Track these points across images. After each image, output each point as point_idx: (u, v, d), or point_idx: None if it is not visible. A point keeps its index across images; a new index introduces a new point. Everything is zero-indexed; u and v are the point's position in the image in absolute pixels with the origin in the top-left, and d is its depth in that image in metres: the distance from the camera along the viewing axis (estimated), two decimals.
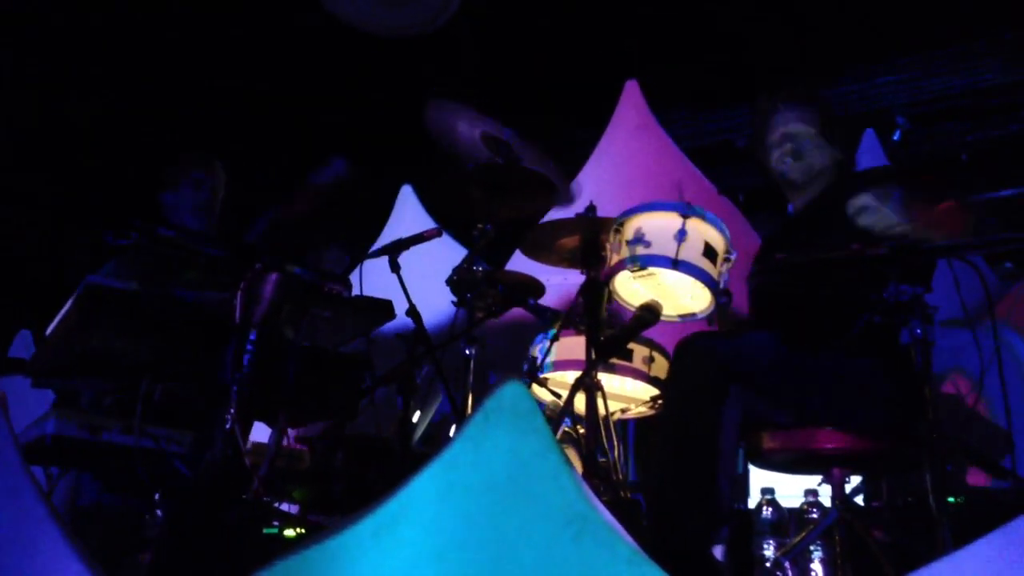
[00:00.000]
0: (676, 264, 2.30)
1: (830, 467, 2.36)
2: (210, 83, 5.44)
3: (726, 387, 2.20)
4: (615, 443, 2.73)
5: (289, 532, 2.71)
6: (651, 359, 2.88)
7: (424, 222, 4.86)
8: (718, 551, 2.12)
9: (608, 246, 2.48)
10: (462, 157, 2.99)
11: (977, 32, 5.41)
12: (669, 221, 2.35)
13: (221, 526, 1.98)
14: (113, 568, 2.55)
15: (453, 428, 3.73)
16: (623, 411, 3.04)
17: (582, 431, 2.78)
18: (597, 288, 2.61)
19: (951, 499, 2.52)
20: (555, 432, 2.73)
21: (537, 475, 1.27)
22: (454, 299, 3.05)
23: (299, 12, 5.06)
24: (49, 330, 2.21)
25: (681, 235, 2.32)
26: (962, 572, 1.31)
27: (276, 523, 2.70)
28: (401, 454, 2.98)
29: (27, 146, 5.53)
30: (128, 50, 5.31)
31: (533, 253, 2.98)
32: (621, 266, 2.39)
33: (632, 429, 3.68)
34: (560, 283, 3.34)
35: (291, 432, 2.84)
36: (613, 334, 2.46)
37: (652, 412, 3.00)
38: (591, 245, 2.76)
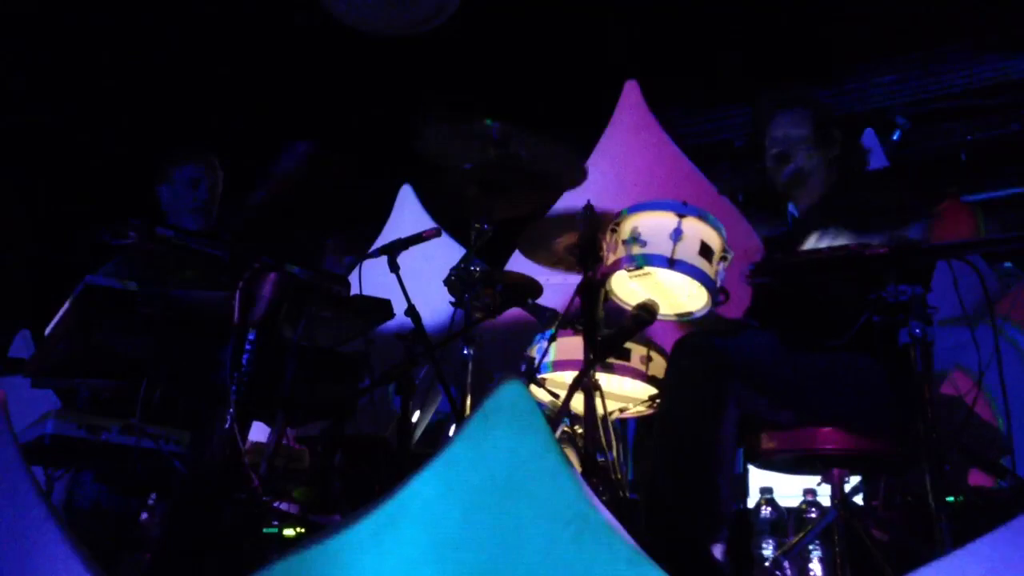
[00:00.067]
0: (672, 263, 2.30)
1: (829, 467, 2.36)
2: (209, 82, 5.44)
3: (725, 385, 2.21)
4: (614, 443, 2.73)
5: (289, 532, 2.71)
6: (649, 358, 2.88)
7: (423, 222, 4.85)
8: (718, 550, 2.12)
9: (604, 245, 2.48)
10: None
11: (977, 32, 5.41)
12: (665, 220, 2.35)
13: (220, 526, 1.97)
14: (112, 568, 2.55)
15: (452, 428, 3.73)
16: (622, 411, 3.04)
17: (580, 431, 2.78)
18: (594, 288, 2.60)
19: (950, 499, 2.52)
20: (554, 432, 2.73)
21: (536, 475, 1.27)
22: (452, 299, 3.05)
23: (298, 12, 5.07)
24: (48, 330, 2.21)
25: (677, 234, 2.32)
26: (961, 572, 1.31)
27: (276, 523, 2.70)
28: (400, 454, 2.98)
29: (26, 145, 5.53)
30: (128, 49, 5.30)
31: (530, 253, 2.98)
32: (617, 266, 2.39)
33: (631, 429, 3.68)
34: (559, 283, 3.33)
35: (290, 432, 2.84)
36: (610, 334, 2.46)
37: (651, 411, 3.00)
38: (588, 244, 2.76)
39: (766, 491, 3.11)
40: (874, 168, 3.53)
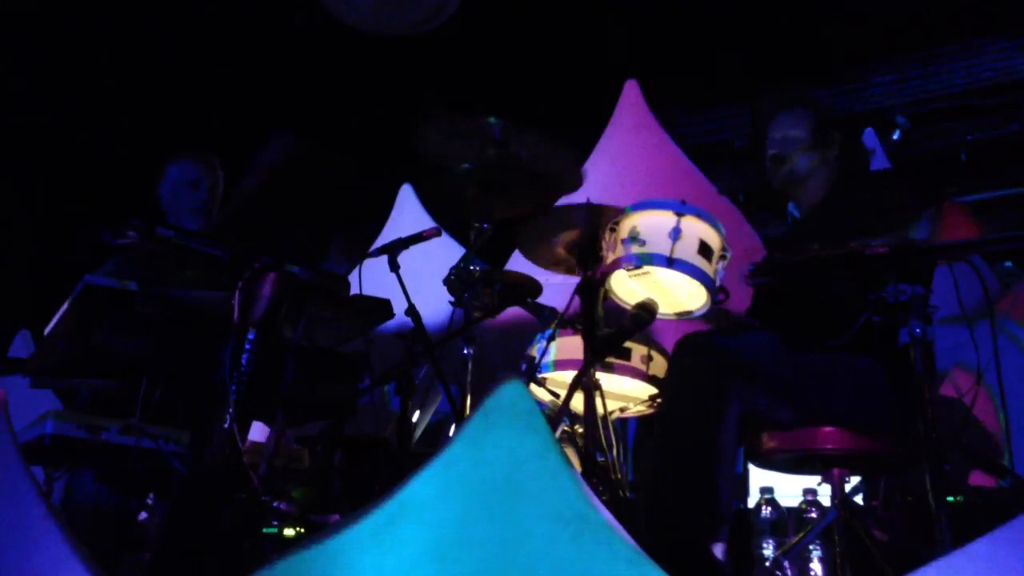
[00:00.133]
0: (671, 262, 2.30)
1: (829, 467, 2.36)
2: (209, 82, 5.44)
3: (726, 384, 2.21)
4: (614, 442, 2.73)
5: (288, 532, 2.71)
6: (649, 358, 2.88)
7: (423, 221, 4.86)
8: (718, 550, 2.12)
9: (604, 245, 2.48)
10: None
11: (977, 32, 5.41)
12: (664, 219, 2.35)
13: (220, 526, 1.97)
14: (112, 568, 2.55)
15: (452, 428, 3.73)
16: (622, 410, 3.04)
17: (581, 430, 2.78)
18: (593, 287, 2.60)
19: (950, 498, 2.52)
20: (554, 431, 2.73)
21: (536, 474, 1.27)
22: (451, 299, 3.05)
23: (298, 12, 5.07)
24: (48, 330, 2.21)
25: (676, 233, 2.32)
26: (961, 572, 1.31)
27: (275, 523, 2.70)
28: (400, 454, 2.98)
29: (26, 145, 5.53)
30: (128, 49, 5.30)
31: (529, 253, 2.98)
32: (617, 265, 2.39)
33: (631, 429, 3.68)
34: (559, 282, 3.33)
35: (289, 432, 2.84)
36: (610, 333, 2.45)
37: (651, 411, 3.00)
38: (588, 244, 2.76)
39: (766, 491, 3.11)
40: (876, 168, 3.54)
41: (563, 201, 3.01)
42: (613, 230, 2.44)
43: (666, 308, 2.43)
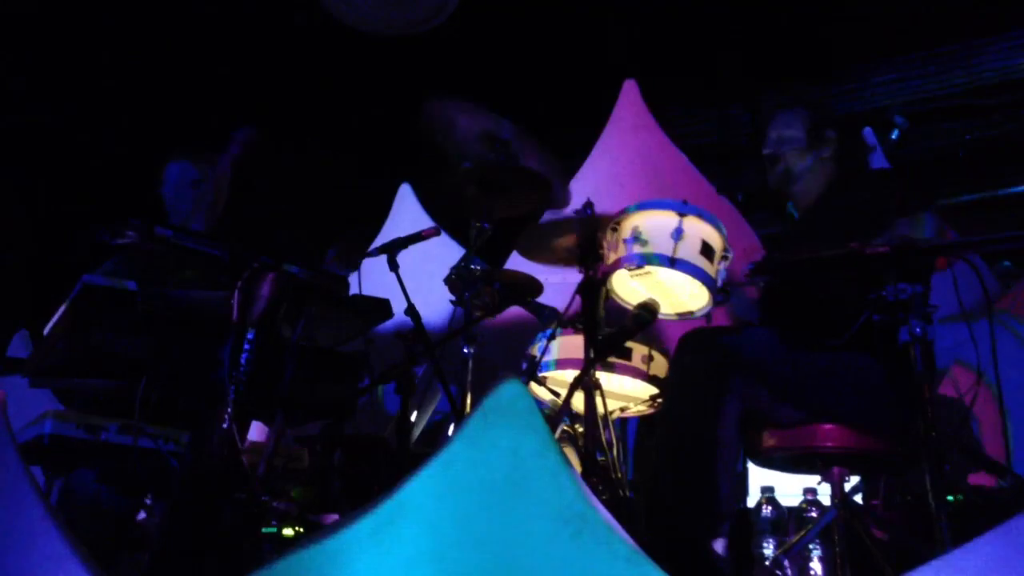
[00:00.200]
0: (673, 262, 2.30)
1: (829, 466, 2.36)
2: (208, 81, 5.44)
3: (727, 382, 2.21)
4: (614, 442, 2.73)
5: (287, 531, 2.71)
6: (650, 358, 2.88)
7: (422, 221, 4.85)
8: (719, 545, 2.12)
9: (605, 244, 2.48)
10: (459, 155, 2.98)
11: (976, 31, 5.41)
12: (666, 219, 2.35)
13: (219, 526, 1.97)
14: (111, 568, 2.55)
15: (452, 427, 3.73)
16: (622, 410, 3.04)
17: (581, 430, 2.78)
18: (595, 287, 2.60)
19: (950, 498, 2.52)
20: (554, 431, 2.73)
21: (536, 474, 1.27)
22: (452, 298, 3.04)
23: (298, 12, 5.06)
24: (47, 330, 2.21)
25: (678, 233, 2.32)
26: (961, 571, 1.31)
27: (274, 522, 2.70)
28: (399, 453, 2.97)
29: (26, 145, 5.53)
30: (128, 49, 5.30)
31: (528, 253, 2.98)
32: (618, 264, 2.39)
33: (631, 429, 3.68)
34: (559, 282, 3.33)
35: (290, 431, 2.84)
36: (611, 333, 2.45)
37: (651, 411, 3.00)
38: (588, 244, 2.76)
39: (767, 490, 3.11)
40: (876, 168, 3.54)
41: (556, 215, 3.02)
42: (615, 230, 2.44)
43: (668, 308, 2.43)
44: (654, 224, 2.36)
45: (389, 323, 2.50)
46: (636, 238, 2.35)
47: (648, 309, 2.31)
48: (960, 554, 1.31)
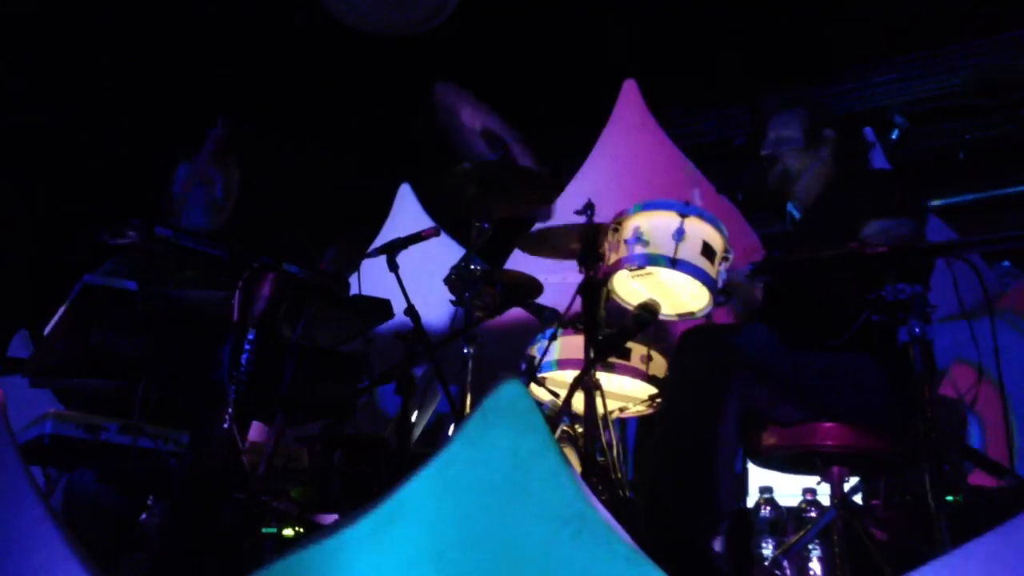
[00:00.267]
0: (674, 263, 2.30)
1: (829, 465, 2.36)
2: (208, 82, 5.44)
3: (727, 381, 2.21)
4: (613, 442, 2.73)
5: (287, 531, 2.71)
6: (649, 358, 2.88)
7: (422, 221, 4.86)
8: (717, 544, 2.12)
9: (606, 245, 2.48)
10: (460, 146, 2.99)
11: (977, 32, 5.41)
12: (667, 220, 2.35)
13: (219, 526, 1.97)
14: (112, 568, 2.55)
15: (451, 427, 3.73)
16: (621, 410, 3.04)
17: (580, 430, 2.78)
18: (595, 287, 2.60)
19: (950, 498, 2.52)
20: (554, 431, 2.73)
21: (535, 474, 1.27)
22: (452, 298, 3.04)
23: (298, 12, 5.06)
24: (47, 330, 2.21)
25: (679, 234, 2.32)
26: (960, 571, 1.31)
27: (274, 522, 2.70)
28: (399, 453, 2.97)
29: (26, 145, 5.52)
30: (128, 49, 5.30)
31: (531, 249, 2.98)
32: (619, 265, 2.39)
33: (631, 428, 3.68)
34: (559, 282, 3.33)
35: (290, 431, 2.84)
36: (612, 333, 2.46)
37: (650, 411, 3.00)
38: (590, 244, 2.76)
39: (766, 490, 3.11)
40: (877, 168, 3.54)
41: (564, 198, 3.02)
42: (616, 230, 2.44)
43: (668, 309, 2.43)
44: (655, 224, 2.36)
45: (389, 323, 2.50)
46: (637, 238, 2.35)
47: (648, 309, 2.31)
48: (960, 554, 1.31)
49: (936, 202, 5.48)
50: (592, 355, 2.60)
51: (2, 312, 5.04)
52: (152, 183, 3.34)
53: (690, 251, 2.32)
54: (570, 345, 2.92)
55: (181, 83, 5.45)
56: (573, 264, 2.84)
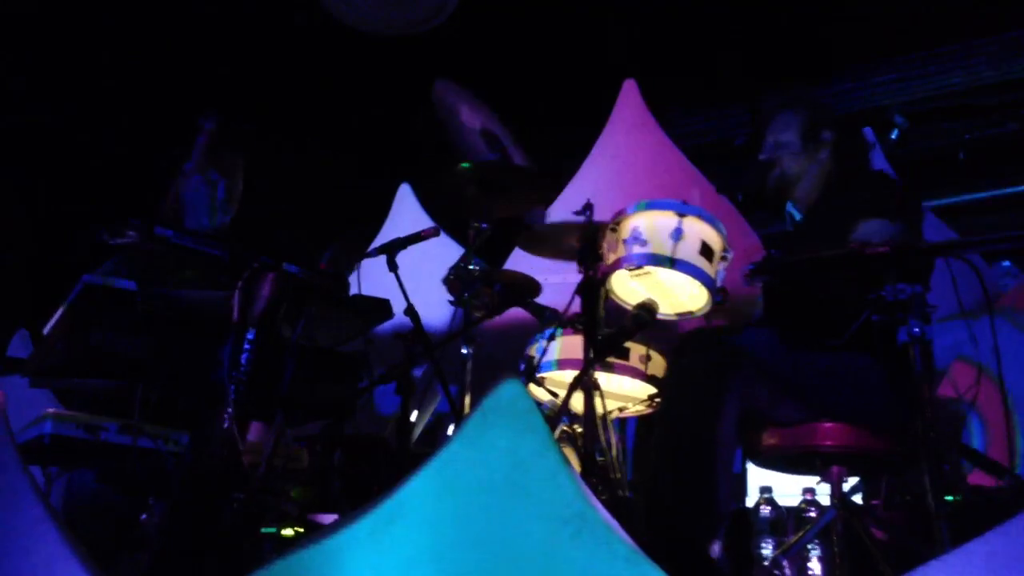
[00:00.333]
0: (673, 263, 2.30)
1: (829, 465, 2.36)
2: (208, 82, 5.44)
3: (726, 381, 2.21)
4: (613, 442, 2.73)
5: (287, 531, 2.71)
6: (648, 357, 2.88)
7: (422, 221, 4.85)
8: (715, 547, 2.12)
9: (605, 245, 2.48)
10: (459, 145, 2.99)
11: (975, 31, 5.41)
12: (665, 220, 2.35)
13: (219, 526, 1.97)
14: (112, 568, 2.55)
15: (451, 427, 3.73)
16: (621, 410, 3.04)
17: (580, 430, 2.78)
18: (594, 287, 2.60)
19: (949, 498, 2.52)
20: (553, 431, 2.73)
21: (535, 474, 1.27)
22: (451, 298, 3.04)
23: (298, 12, 5.06)
24: (47, 329, 2.21)
25: (677, 234, 2.32)
26: (961, 571, 1.31)
27: (274, 522, 2.70)
28: (399, 453, 2.98)
29: (26, 145, 5.53)
30: (128, 49, 5.30)
31: (531, 248, 2.98)
32: (618, 265, 2.39)
33: (631, 428, 3.68)
34: (558, 282, 3.33)
35: (290, 431, 2.84)
36: (611, 333, 2.45)
37: (650, 411, 3.00)
38: (589, 244, 2.76)
39: (765, 490, 3.10)
40: (877, 168, 3.54)
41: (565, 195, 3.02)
42: (614, 230, 2.44)
43: (667, 308, 2.43)
44: (654, 224, 2.36)
45: (389, 323, 2.50)
46: (636, 238, 2.35)
47: (647, 309, 2.31)
48: (960, 554, 1.31)
49: (936, 202, 5.47)
50: (591, 355, 2.60)
51: (2, 312, 5.04)
52: (152, 183, 3.34)
53: (688, 251, 2.32)
54: (569, 345, 2.92)
55: (181, 83, 5.45)
56: (572, 264, 2.84)
